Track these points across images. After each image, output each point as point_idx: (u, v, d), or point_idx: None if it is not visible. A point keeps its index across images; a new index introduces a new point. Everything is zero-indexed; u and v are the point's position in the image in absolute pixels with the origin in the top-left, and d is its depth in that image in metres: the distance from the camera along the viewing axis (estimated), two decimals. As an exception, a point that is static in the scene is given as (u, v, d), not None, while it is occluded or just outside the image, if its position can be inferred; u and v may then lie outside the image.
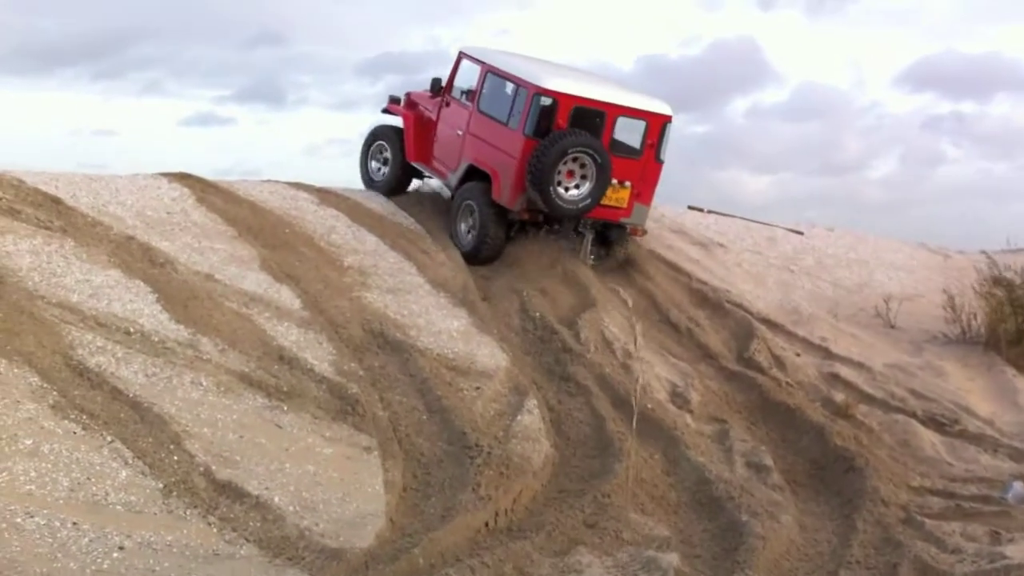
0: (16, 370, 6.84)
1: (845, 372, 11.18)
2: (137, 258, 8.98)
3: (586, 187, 11.08)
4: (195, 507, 6.12)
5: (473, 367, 9.05)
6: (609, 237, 11.97)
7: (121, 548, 5.55)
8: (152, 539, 5.69)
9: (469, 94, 11.91)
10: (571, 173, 11.04)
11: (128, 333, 7.78)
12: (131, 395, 7.02)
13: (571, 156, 10.89)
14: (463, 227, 11.62)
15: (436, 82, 12.27)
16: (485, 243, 11.37)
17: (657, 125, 11.52)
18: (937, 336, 13.09)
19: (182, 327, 8.10)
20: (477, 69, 11.86)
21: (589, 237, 11.72)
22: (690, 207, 17.15)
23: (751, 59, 35.10)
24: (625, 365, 9.91)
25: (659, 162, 11.69)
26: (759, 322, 11.99)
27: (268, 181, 13.02)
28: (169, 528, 5.85)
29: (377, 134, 13.11)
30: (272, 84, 37.68)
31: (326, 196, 12.05)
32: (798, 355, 11.51)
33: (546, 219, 11.60)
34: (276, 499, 6.43)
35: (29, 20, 38.47)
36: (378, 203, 12.41)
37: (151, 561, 5.55)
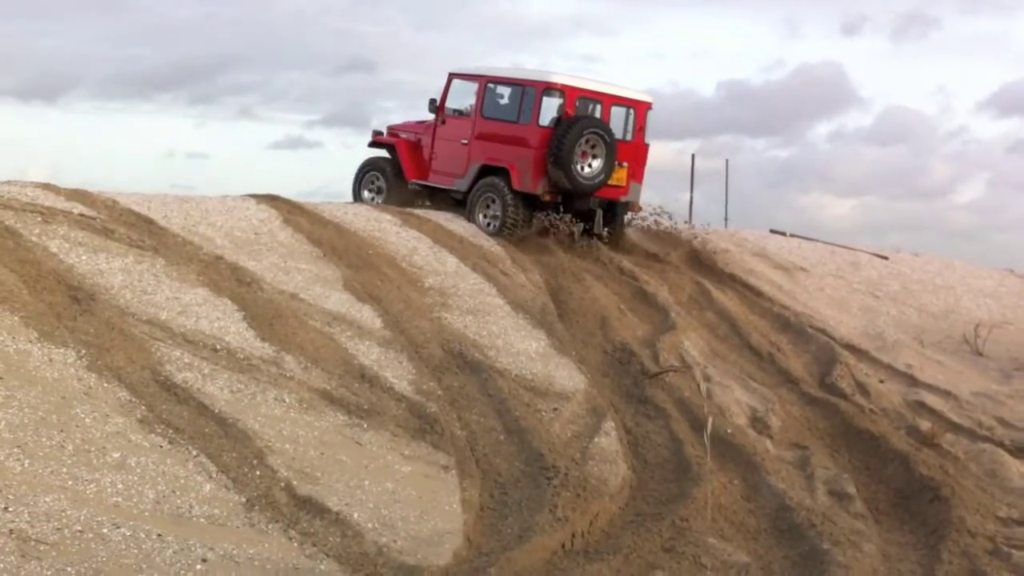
0: (106, 384, 7.02)
1: (931, 400, 10.98)
2: (225, 277, 9.17)
3: (598, 164, 12.72)
4: (276, 521, 6.20)
5: (551, 388, 9.07)
6: (615, 213, 13.47)
7: (204, 560, 5.64)
8: (234, 552, 5.78)
9: (459, 112, 13.46)
10: (584, 153, 12.64)
11: (215, 350, 7.95)
12: (216, 410, 7.16)
13: (585, 138, 12.47)
14: (481, 217, 12.90)
15: (433, 102, 13.61)
16: (510, 223, 12.63)
17: (642, 111, 13.39)
18: (1027, 364, 12.79)
19: (267, 345, 8.24)
20: (473, 85, 13.35)
21: (600, 214, 13.18)
22: (772, 231, 17.03)
23: (835, 84, 34.84)
24: (704, 389, 9.85)
25: (646, 144, 13.51)
26: (842, 348, 11.85)
27: (353, 203, 13.24)
28: (251, 542, 5.94)
29: (369, 166, 14.36)
30: (359, 109, 38.38)
31: (408, 218, 12.20)
32: (882, 381, 11.34)
33: (564, 199, 12.93)
34: (355, 515, 6.50)
35: (127, 50, 39.81)
36: (459, 225, 12.54)
37: (233, 574, 5.63)
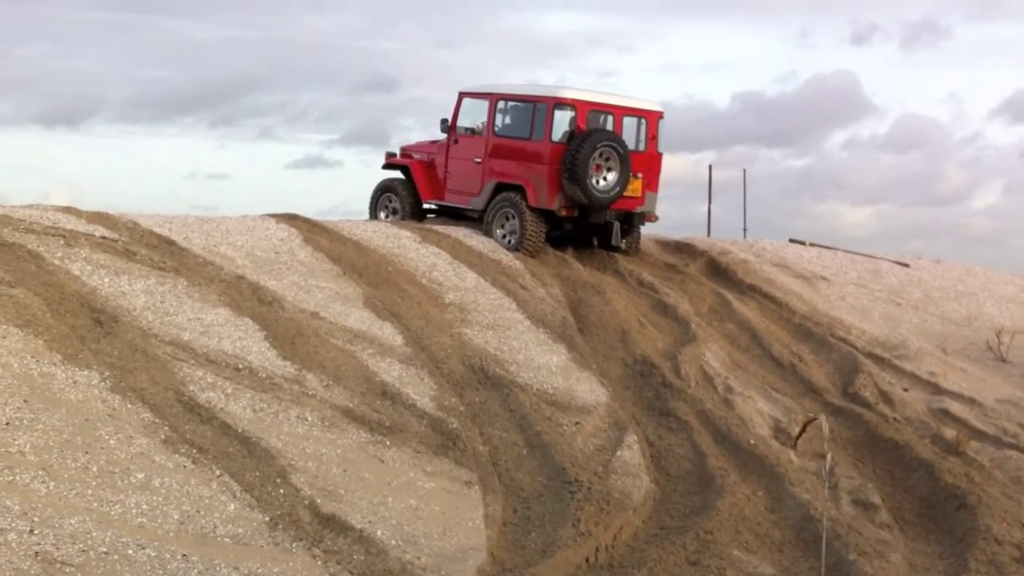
0: (130, 406, 7.07)
1: (955, 407, 10.90)
2: (246, 297, 9.22)
3: (613, 176, 12.64)
4: (300, 540, 6.23)
5: (572, 402, 9.06)
6: (632, 224, 13.47)
7: (229, 579, 5.67)
8: (259, 571, 5.80)
9: (471, 130, 13.41)
10: (599, 167, 12.58)
11: (237, 369, 7.98)
12: (239, 430, 7.19)
13: (599, 151, 12.43)
14: (499, 232, 12.87)
15: (445, 122, 13.61)
16: (530, 239, 12.58)
17: (654, 120, 13.34)
18: (1052, 370, 12.69)
19: (289, 363, 8.28)
20: (483, 103, 13.33)
21: (617, 226, 13.13)
22: (792, 240, 16.95)
23: (849, 93, 34.81)
24: (726, 400, 9.83)
25: (659, 154, 13.43)
26: (865, 357, 11.79)
27: (371, 220, 13.28)
28: (276, 560, 5.96)
29: (385, 187, 14.36)
30: (378, 127, 38.51)
31: (427, 234, 12.23)
32: (906, 390, 11.27)
33: (581, 213, 12.89)
34: (379, 533, 6.52)
35: (149, 72, 40.22)
36: (478, 240, 12.56)
37: (258, 593, 5.67)
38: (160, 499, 6.20)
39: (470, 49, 42.14)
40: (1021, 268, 18.19)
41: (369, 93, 40.40)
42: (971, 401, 11.18)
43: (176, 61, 41.25)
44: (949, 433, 9.91)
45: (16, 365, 7.00)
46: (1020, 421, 10.71)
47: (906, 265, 16.36)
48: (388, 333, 9.35)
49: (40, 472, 6.04)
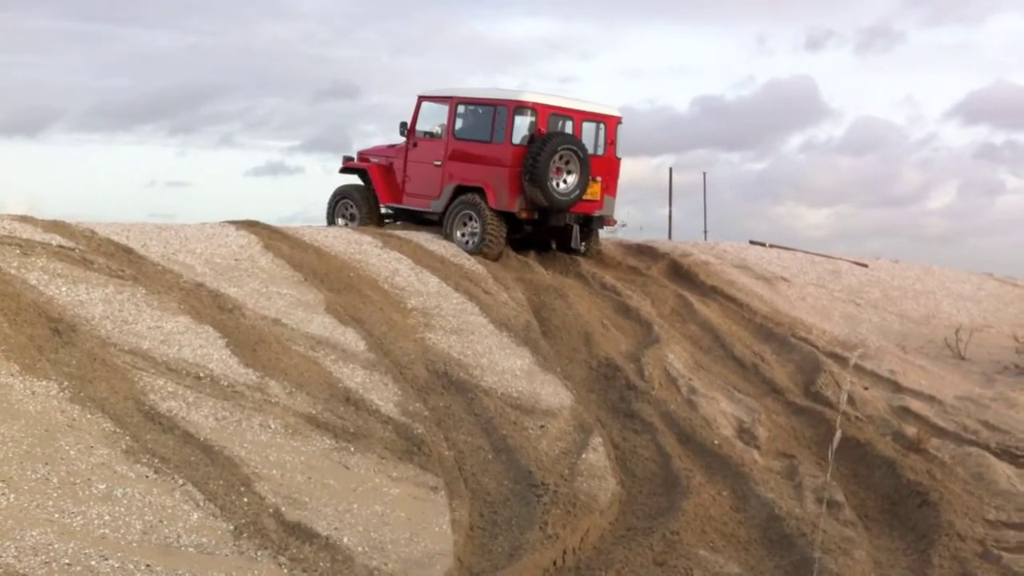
0: (89, 416, 6.97)
1: (915, 405, 11.01)
2: (206, 304, 9.13)
3: (573, 180, 12.79)
4: (266, 548, 6.17)
5: (537, 406, 9.06)
6: (591, 228, 13.59)
7: (194, 590, 5.61)
8: (224, 580, 5.74)
9: (430, 134, 13.53)
10: (559, 170, 12.71)
11: (198, 378, 7.90)
12: (202, 439, 7.12)
13: (559, 154, 12.54)
14: (459, 235, 12.95)
15: (404, 125, 13.73)
16: (490, 241, 12.65)
17: (613, 125, 13.48)
18: (1008, 367, 12.86)
19: (251, 371, 8.21)
20: (443, 107, 13.41)
21: (576, 229, 13.22)
22: (752, 242, 17.09)
23: (806, 97, 35.33)
24: (690, 401, 9.86)
25: (618, 158, 13.58)
26: (825, 356, 11.88)
27: (331, 226, 13.21)
28: (241, 569, 5.90)
29: (342, 194, 14.45)
30: (339, 133, 38.48)
31: (389, 239, 12.19)
32: (866, 388, 11.37)
33: (541, 216, 12.96)
34: (345, 539, 6.47)
35: (109, 82, 39.94)
36: (440, 245, 12.54)
37: (223, 602, 5.60)
38: (122, 509, 6.12)
39: (431, 56, 42.27)
40: (977, 266, 18.47)
41: (330, 100, 40.41)
42: (931, 399, 11.30)
43: (136, 69, 41.04)
44: (910, 430, 10.01)
45: (-27, 376, 6.89)
46: (980, 418, 10.84)
47: (865, 265, 16.53)
48: (351, 339, 9.30)
49: (0, 484, 5.96)
